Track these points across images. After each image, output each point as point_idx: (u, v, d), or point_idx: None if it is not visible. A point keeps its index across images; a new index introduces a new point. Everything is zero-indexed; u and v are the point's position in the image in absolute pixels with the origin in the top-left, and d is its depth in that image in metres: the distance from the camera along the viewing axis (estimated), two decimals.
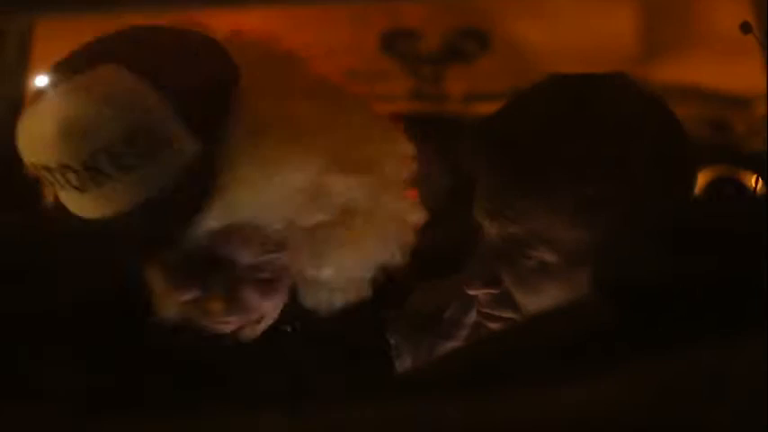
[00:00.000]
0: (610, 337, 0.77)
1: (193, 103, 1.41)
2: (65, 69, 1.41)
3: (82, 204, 1.39)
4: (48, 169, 1.39)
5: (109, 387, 0.73)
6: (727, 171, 3.28)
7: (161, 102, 1.39)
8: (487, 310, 1.52)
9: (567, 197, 1.45)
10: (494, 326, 1.52)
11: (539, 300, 1.48)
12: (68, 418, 0.69)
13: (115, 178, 1.37)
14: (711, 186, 3.15)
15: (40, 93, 1.42)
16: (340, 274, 1.53)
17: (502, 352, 0.81)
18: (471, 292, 1.53)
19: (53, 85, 1.41)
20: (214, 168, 1.41)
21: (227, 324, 1.46)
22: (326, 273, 1.53)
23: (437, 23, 4.42)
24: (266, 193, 1.43)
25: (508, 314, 1.50)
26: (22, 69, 3.01)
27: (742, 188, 3.21)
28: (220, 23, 1.50)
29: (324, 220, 1.48)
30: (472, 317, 1.61)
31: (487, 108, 1.59)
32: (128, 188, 1.38)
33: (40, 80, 2.98)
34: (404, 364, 1.67)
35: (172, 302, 1.44)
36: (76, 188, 1.38)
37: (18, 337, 0.74)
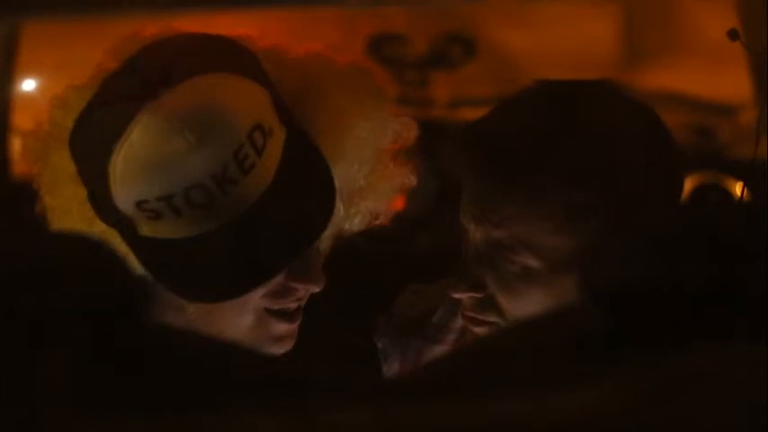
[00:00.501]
0: (598, 342, 0.77)
1: (274, 90, 1.40)
2: (143, 97, 1.33)
3: (191, 223, 1.35)
4: (165, 198, 1.33)
5: (108, 387, 0.73)
6: (712, 178, 3.29)
7: (263, 93, 1.37)
8: (472, 314, 1.53)
9: (552, 203, 1.45)
10: (478, 330, 1.52)
11: (522, 305, 1.48)
12: (67, 419, 0.69)
13: (239, 183, 1.34)
14: (696, 193, 3.16)
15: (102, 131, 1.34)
16: (365, 218, 1.53)
17: (491, 357, 0.81)
18: (456, 296, 1.53)
19: (130, 114, 1.32)
20: (317, 146, 1.42)
21: (300, 301, 1.47)
22: (357, 221, 1.53)
23: (423, 29, 4.43)
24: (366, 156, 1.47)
25: (492, 318, 1.51)
26: (8, 74, 3.00)
27: (727, 195, 3.22)
28: (204, 28, 1.49)
29: (363, 174, 1.50)
30: (460, 321, 1.61)
31: (473, 113, 1.60)
32: (247, 189, 1.35)
33: (28, 84, 2.97)
34: (391, 367, 1.67)
35: (253, 296, 1.42)
36: (200, 206, 1.33)
37: (15, 340, 0.74)
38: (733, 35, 1.59)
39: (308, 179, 1.41)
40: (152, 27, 1.46)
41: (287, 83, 1.44)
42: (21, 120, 2.78)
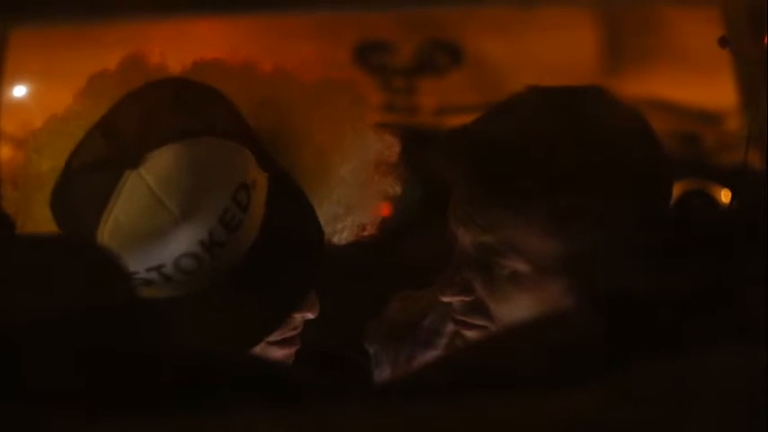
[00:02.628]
0: (592, 346, 0.77)
1: (253, 139, 1.40)
2: (122, 163, 1.32)
3: (184, 285, 1.35)
4: (155, 269, 1.33)
5: (107, 388, 0.73)
6: (698, 185, 3.30)
7: (242, 150, 1.37)
8: (461, 318, 1.53)
9: (540, 208, 1.46)
10: (467, 333, 1.53)
11: (511, 308, 1.49)
12: (66, 420, 0.69)
13: (227, 243, 1.34)
14: (682, 199, 3.17)
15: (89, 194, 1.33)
16: (352, 231, 1.55)
17: (487, 360, 0.82)
18: (445, 300, 1.54)
19: (110, 184, 1.31)
20: (299, 187, 1.43)
21: (297, 330, 1.48)
22: (345, 235, 1.54)
23: (409, 36, 4.43)
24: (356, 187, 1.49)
25: (481, 322, 1.51)
26: None
27: (712, 201, 3.23)
28: (180, 37, 1.49)
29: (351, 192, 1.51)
30: (451, 325, 1.61)
31: (460, 120, 1.60)
32: (235, 246, 1.35)
33: (16, 90, 2.98)
34: (382, 372, 1.67)
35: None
36: (188, 272, 1.33)
37: (13, 340, 0.74)
38: (724, 42, 1.60)
39: (293, 221, 1.42)
40: (119, 60, 1.44)
41: (264, 117, 1.44)
42: (9, 126, 2.78)
